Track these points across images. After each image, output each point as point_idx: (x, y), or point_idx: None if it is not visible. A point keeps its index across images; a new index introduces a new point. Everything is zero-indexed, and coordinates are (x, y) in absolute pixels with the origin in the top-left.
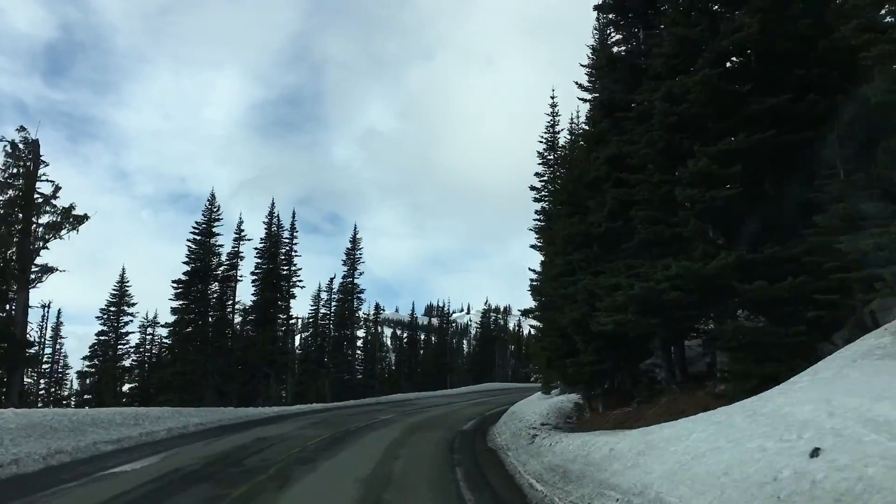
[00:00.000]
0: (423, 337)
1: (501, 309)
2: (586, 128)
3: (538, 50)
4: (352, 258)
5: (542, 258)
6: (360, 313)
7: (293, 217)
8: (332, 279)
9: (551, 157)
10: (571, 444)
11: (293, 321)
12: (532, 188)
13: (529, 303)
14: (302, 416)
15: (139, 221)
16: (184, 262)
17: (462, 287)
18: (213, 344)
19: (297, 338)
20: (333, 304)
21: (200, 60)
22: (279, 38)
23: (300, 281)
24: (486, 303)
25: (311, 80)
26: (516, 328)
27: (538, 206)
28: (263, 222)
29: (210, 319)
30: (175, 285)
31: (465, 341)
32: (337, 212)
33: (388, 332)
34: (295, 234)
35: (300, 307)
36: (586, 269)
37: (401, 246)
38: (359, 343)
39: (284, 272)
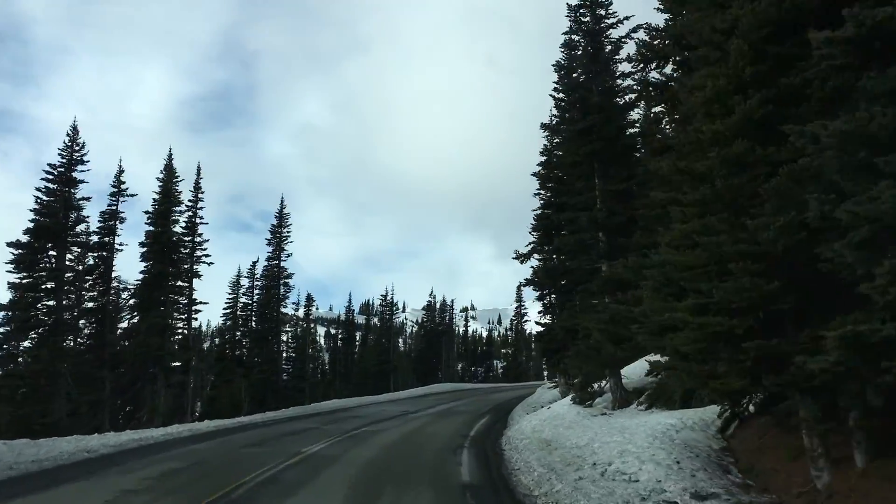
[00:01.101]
0: (358, 335)
1: (448, 302)
2: None
3: (476, 42)
4: (278, 237)
5: None
6: (289, 303)
7: (198, 174)
8: (254, 263)
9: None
10: None
11: (197, 308)
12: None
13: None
14: (157, 454)
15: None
16: (30, 221)
17: (397, 286)
18: (70, 335)
19: (211, 331)
20: (256, 292)
21: (127, 53)
22: (209, 31)
23: (207, 256)
24: (430, 294)
25: (243, 75)
26: (464, 326)
27: None
28: (157, 178)
29: (66, 301)
30: (13, 250)
31: (400, 339)
32: (269, 210)
33: (321, 331)
34: (201, 194)
35: (213, 297)
36: None
37: (335, 245)
38: (287, 339)
39: (186, 243)
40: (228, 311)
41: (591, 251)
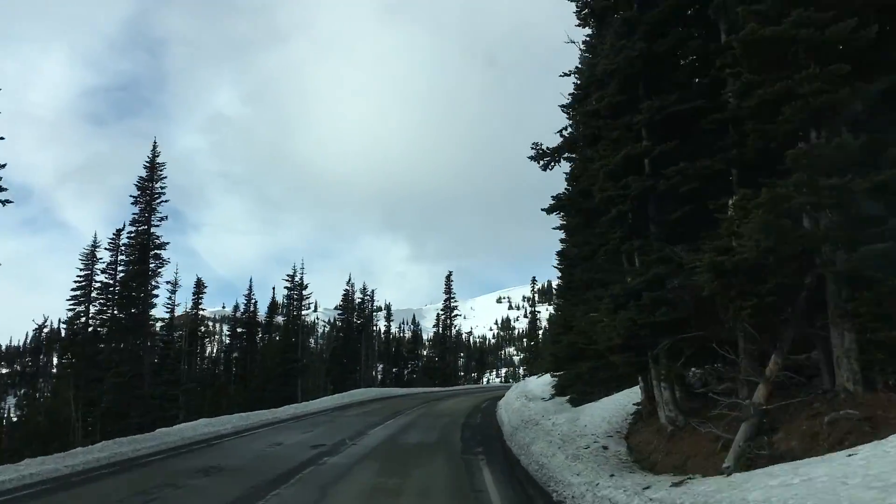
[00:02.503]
0: (261, 336)
1: (368, 293)
2: None
3: (399, 35)
4: (148, 194)
5: None
6: (161, 282)
7: None
8: (118, 231)
9: None
10: None
11: None
12: None
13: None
14: None
15: None
16: None
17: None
18: None
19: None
20: (120, 268)
21: (21, 37)
22: (114, 17)
23: None
24: (349, 282)
25: (151, 64)
26: (385, 322)
27: None
28: None
29: None
30: None
31: (312, 339)
32: (177, 207)
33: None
34: None
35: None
36: None
37: (245, 243)
38: (168, 334)
39: None
40: (80, 294)
41: None
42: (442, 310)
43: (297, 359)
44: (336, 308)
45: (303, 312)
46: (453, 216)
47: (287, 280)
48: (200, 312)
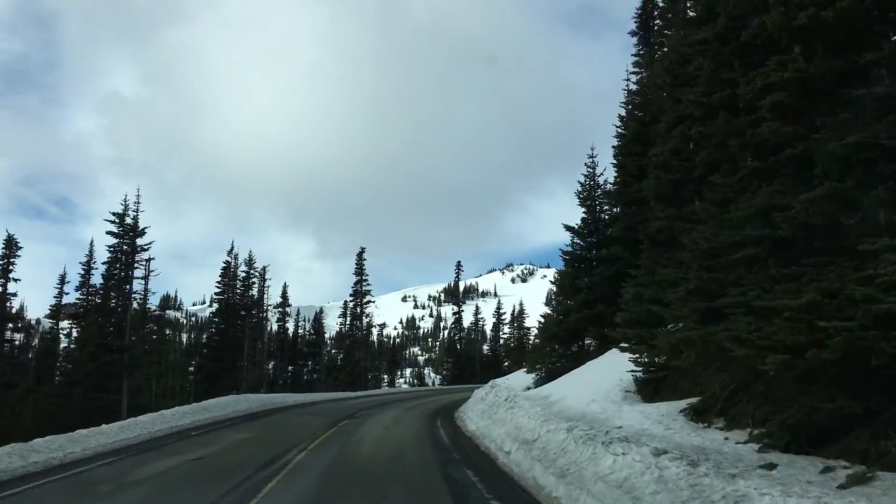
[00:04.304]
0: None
1: (260, 268)
2: None
3: (315, 17)
4: None
5: None
6: None
7: None
8: None
9: None
10: None
11: None
12: None
13: None
14: None
15: None
16: None
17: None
18: None
19: None
20: None
21: None
22: None
23: None
24: (231, 251)
25: (39, 41)
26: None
27: None
28: None
29: None
30: None
31: (204, 336)
32: (67, 196)
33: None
34: None
35: None
36: None
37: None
38: None
39: None
40: None
41: None
42: (351, 295)
43: (123, 346)
44: (216, 295)
45: (196, 308)
46: (360, 213)
47: (113, 223)
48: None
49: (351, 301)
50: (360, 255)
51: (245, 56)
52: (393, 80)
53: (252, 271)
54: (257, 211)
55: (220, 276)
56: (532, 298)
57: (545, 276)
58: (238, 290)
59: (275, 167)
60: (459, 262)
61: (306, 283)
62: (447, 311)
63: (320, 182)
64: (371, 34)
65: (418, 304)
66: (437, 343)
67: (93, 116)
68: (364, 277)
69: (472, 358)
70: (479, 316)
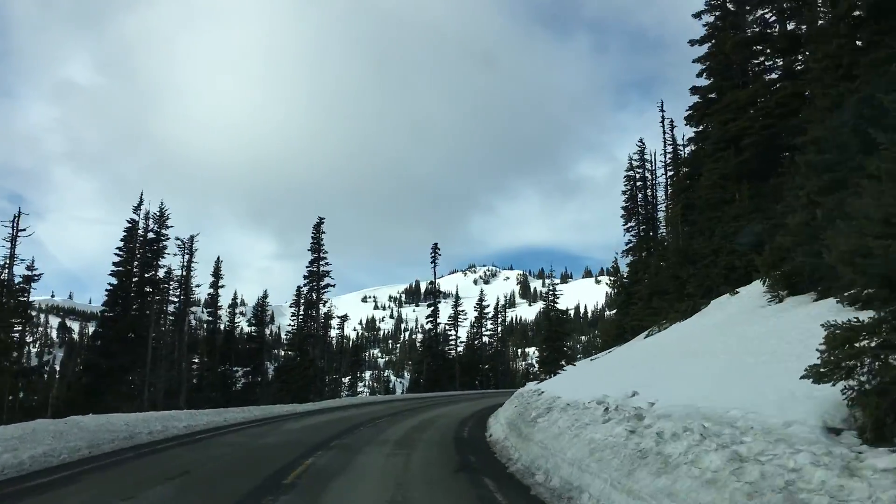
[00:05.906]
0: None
1: (169, 224)
2: None
3: (281, 4)
4: None
5: None
6: None
7: None
8: None
9: None
10: None
11: None
12: None
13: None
14: None
15: None
16: None
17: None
18: None
19: None
20: None
21: None
22: None
23: None
24: (138, 206)
25: None
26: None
27: None
28: None
29: None
30: None
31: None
32: (18, 191)
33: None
34: None
35: None
36: None
37: (96, 231)
38: None
39: None
40: None
41: None
42: (306, 277)
43: None
44: (114, 257)
45: None
46: (321, 210)
47: None
48: None
49: (306, 285)
50: (317, 228)
51: (208, 45)
52: (357, 76)
53: (164, 233)
54: (217, 207)
55: (121, 240)
56: (495, 300)
57: (508, 277)
58: (146, 258)
59: (235, 158)
60: (436, 244)
61: (264, 283)
62: (408, 312)
63: (282, 178)
64: (338, 26)
65: (378, 304)
66: (398, 345)
67: (44, 107)
68: (322, 255)
69: (450, 359)
70: (461, 309)
